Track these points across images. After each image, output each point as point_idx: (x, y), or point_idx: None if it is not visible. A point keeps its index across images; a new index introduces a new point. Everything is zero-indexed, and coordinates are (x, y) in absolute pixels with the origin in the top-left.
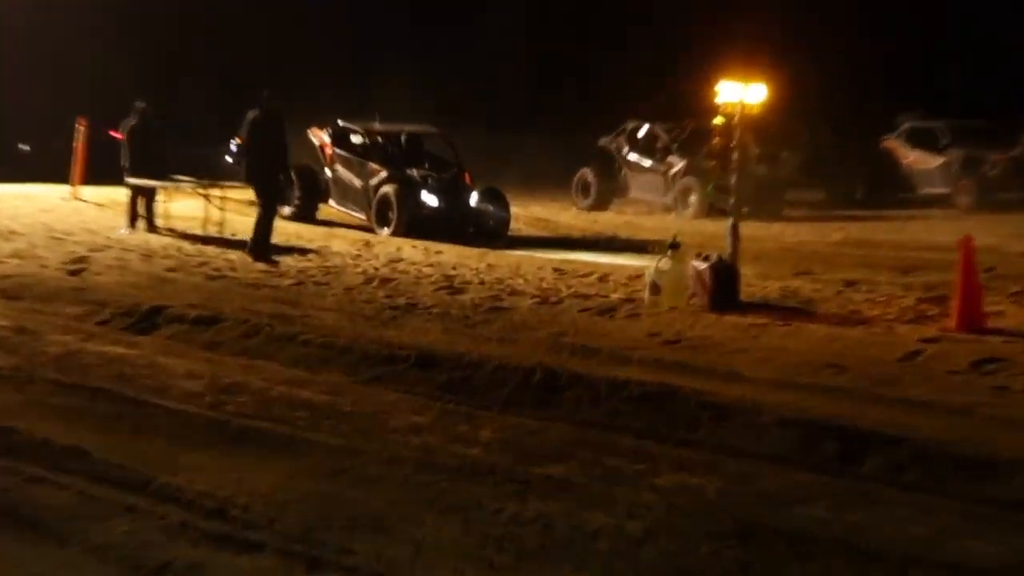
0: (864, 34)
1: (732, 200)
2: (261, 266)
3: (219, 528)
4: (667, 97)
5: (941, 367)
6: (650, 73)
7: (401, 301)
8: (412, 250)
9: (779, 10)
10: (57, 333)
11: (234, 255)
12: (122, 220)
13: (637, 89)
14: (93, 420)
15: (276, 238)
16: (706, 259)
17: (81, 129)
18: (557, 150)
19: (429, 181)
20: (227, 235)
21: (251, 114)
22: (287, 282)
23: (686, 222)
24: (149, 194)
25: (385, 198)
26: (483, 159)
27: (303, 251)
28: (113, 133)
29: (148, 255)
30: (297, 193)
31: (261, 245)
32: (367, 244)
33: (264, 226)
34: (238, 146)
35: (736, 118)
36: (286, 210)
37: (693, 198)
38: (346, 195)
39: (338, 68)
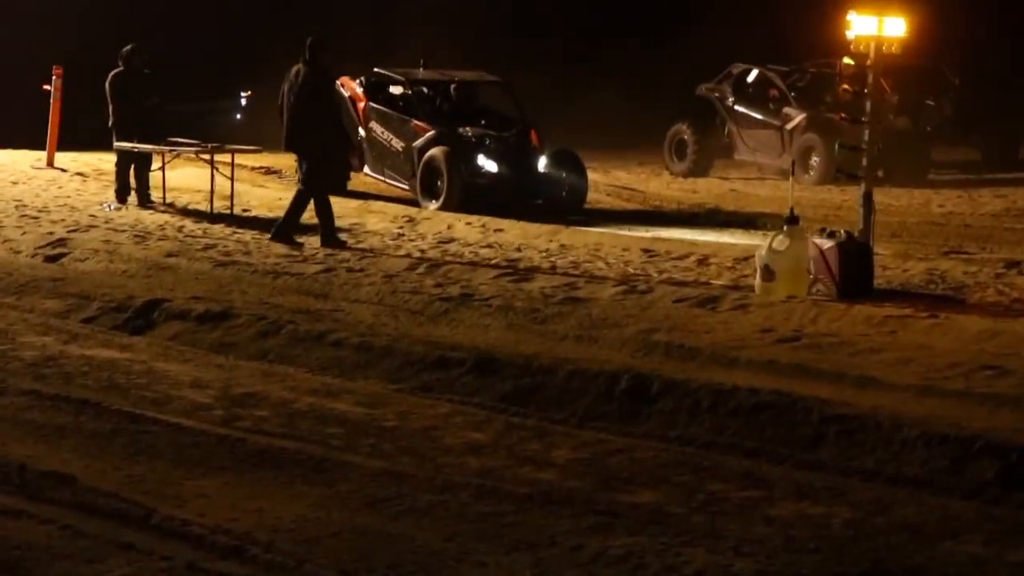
0: None
1: (864, 162)
2: (281, 249)
3: (236, 571)
4: (781, 33)
5: None
6: (760, 6)
7: (454, 291)
8: (467, 228)
9: None
10: (33, 334)
11: (248, 235)
12: (109, 193)
13: (742, 23)
14: (79, 439)
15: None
16: (832, 236)
17: (56, 81)
18: (645, 101)
19: (487, 142)
20: (238, 211)
21: (293, 68)
22: (313, 268)
23: (807, 190)
24: (142, 162)
25: (432, 163)
26: (550, 113)
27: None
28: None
29: (142, 236)
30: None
31: (285, 227)
32: (411, 221)
33: (301, 203)
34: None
35: (870, 59)
36: None
37: (816, 160)
38: (384, 160)
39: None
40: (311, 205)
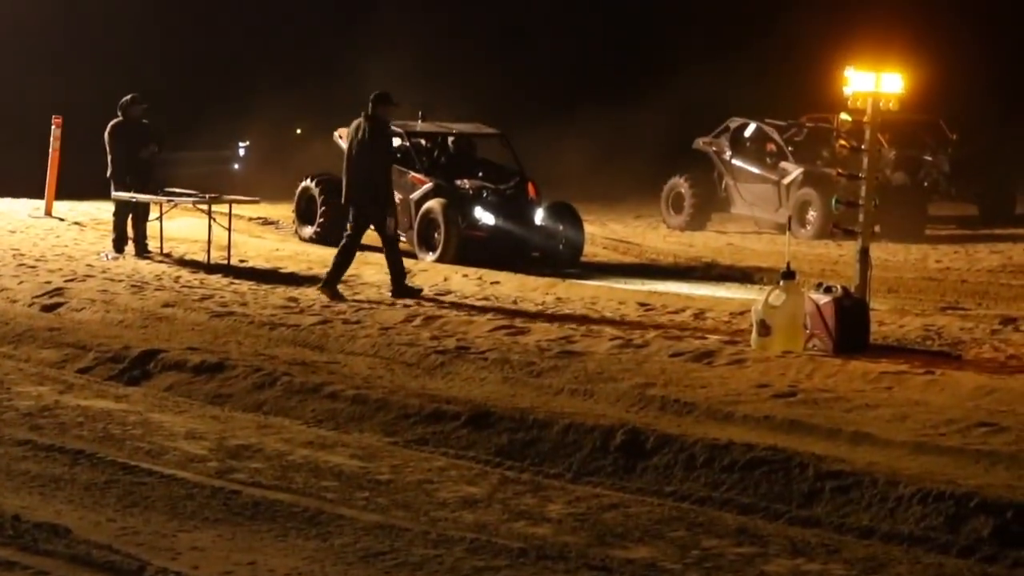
0: None
1: (861, 217)
2: (278, 300)
3: None
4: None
5: None
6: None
7: (450, 344)
8: (463, 280)
9: None
10: (29, 383)
11: (245, 286)
12: (107, 243)
13: (741, 78)
14: (74, 490)
15: (295, 266)
16: (828, 291)
17: (56, 130)
18: (642, 154)
19: (484, 194)
20: (236, 262)
21: (355, 122)
22: (310, 320)
23: (804, 244)
24: (140, 212)
25: (430, 216)
26: (548, 166)
27: None
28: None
29: (139, 286)
30: (320, 210)
31: (398, 283)
32: (407, 273)
33: (394, 254)
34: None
35: (867, 115)
36: (307, 231)
37: (812, 214)
38: None
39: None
40: (375, 255)
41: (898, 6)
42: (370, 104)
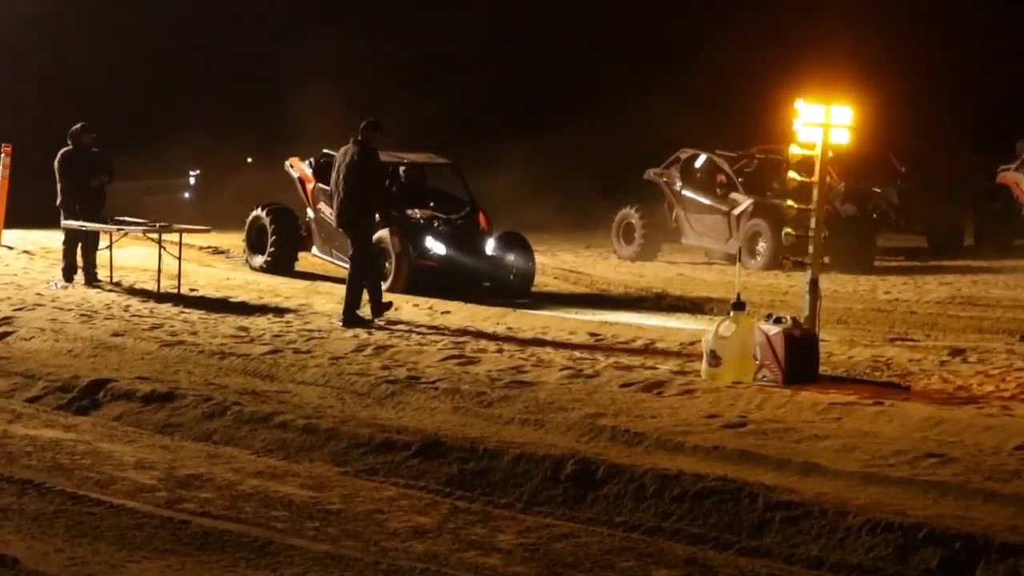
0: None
1: (811, 248)
2: (227, 331)
3: None
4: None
5: None
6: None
7: (401, 373)
8: (414, 309)
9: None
10: None
11: (195, 315)
12: (56, 272)
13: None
14: (22, 520)
15: (246, 295)
16: (778, 322)
17: (5, 159)
18: (593, 185)
19: (435, 224)
20: (186, 291)
21: (343, 148)
22: (260, 350)
23: (754, 275)
24: (89, 240)
25: (381, 245)
26: (498, 195)
27: (280, 311)
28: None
29: (88, 315)
30: (272, 239)
31: (350, 311)
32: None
33: (356, 285)
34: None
35: (817, 147)
36: (257, 260)
37: (763, 245)
38: (332, 241)
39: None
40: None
41: (846, 41)
42: (361, 131)
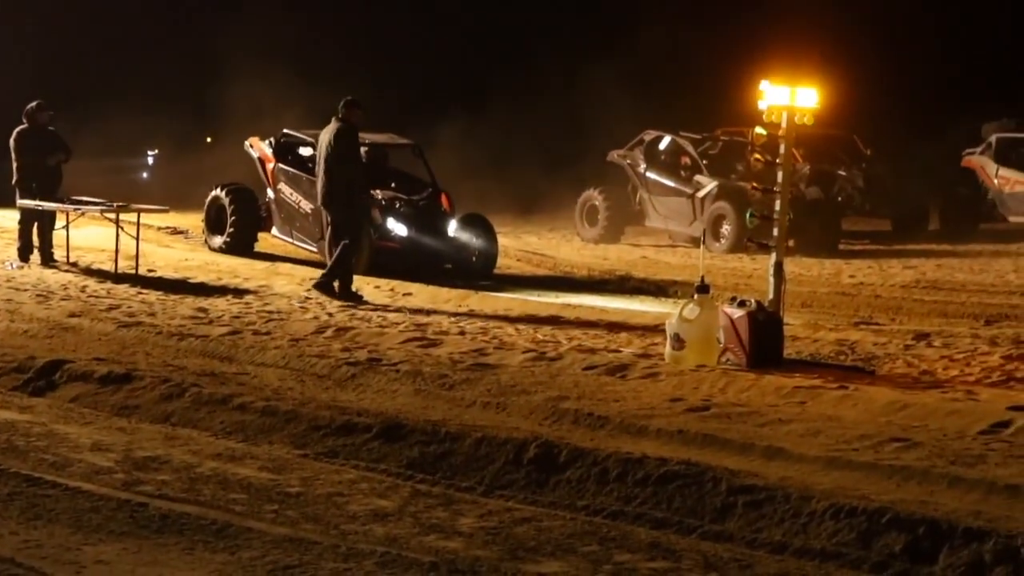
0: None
1: (775, 231)
2: (186, 312)
3: None
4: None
5: None
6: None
7: (361, 355)
8: (375, 291)
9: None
10: None
11: (153, 296)
12: (12, 252)
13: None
14: None
15: (205, 276)
16: (742, 305)
17: None
18: (557, 167)
19: (397, 205)
20: (144, 271)
21: (328, 128)
22: (219, 331)
23: (718, 258)
24: (46, 220)
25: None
26: (463, 177)
27: (239, 292)
28: None
29: (44, 296)
30: (231, 219)
31: (330, 280)
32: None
33: (345, 259)
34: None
35: (782, 129)
36: (216, 241)
37: (727, 228)
38: (292, 222)
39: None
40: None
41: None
42: (341, 109)
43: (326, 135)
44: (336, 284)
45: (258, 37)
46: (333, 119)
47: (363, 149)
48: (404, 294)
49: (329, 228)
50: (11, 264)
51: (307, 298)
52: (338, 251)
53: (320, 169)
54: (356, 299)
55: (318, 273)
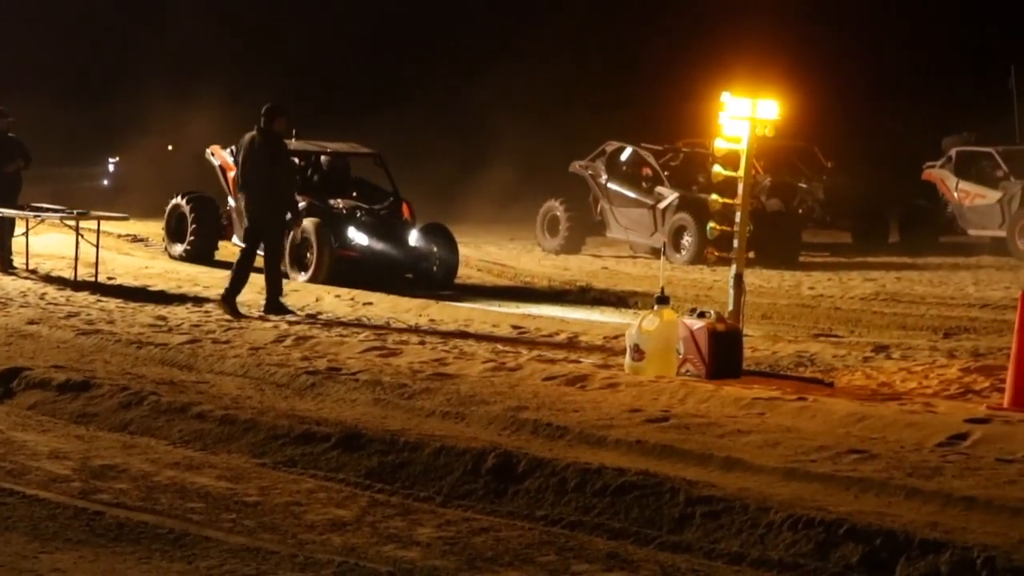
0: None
1: (736, 243)
2: (146, 320)
3: None
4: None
5: (991, 454)
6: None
7: (321, 364)
8: (335, 300)
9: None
10: None
11: (112, 304)
12: None
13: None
14: None
15: (165, 284)
16: (702, 316)
17: None
18: (519, 177)
19: (358, 214)
20: (103, 279)
21: (247, 136)
22: (178, 339)
23: (678, 269)
24: (5, 227)
25: (303, 235)
26: (424, 188)
27: (198, 300)
28: None
29: (3, 303)
30: (192, 227)
31: (275, 298)
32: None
33: (275, 273)
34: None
35: (742, 141)
36: (177, 249)
37: (688, 239)
38: None
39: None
40: (247, 270)
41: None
42: (263, 118)
43: (248, 144)
44: (227, 294)
45: (179, 47)
46: (256, 128)
47: (323, 158)
48: (364, 303)
49: (247, 238)
50: None
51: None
52: (265, 272)
53: (248, 180)
54: (286, 311)
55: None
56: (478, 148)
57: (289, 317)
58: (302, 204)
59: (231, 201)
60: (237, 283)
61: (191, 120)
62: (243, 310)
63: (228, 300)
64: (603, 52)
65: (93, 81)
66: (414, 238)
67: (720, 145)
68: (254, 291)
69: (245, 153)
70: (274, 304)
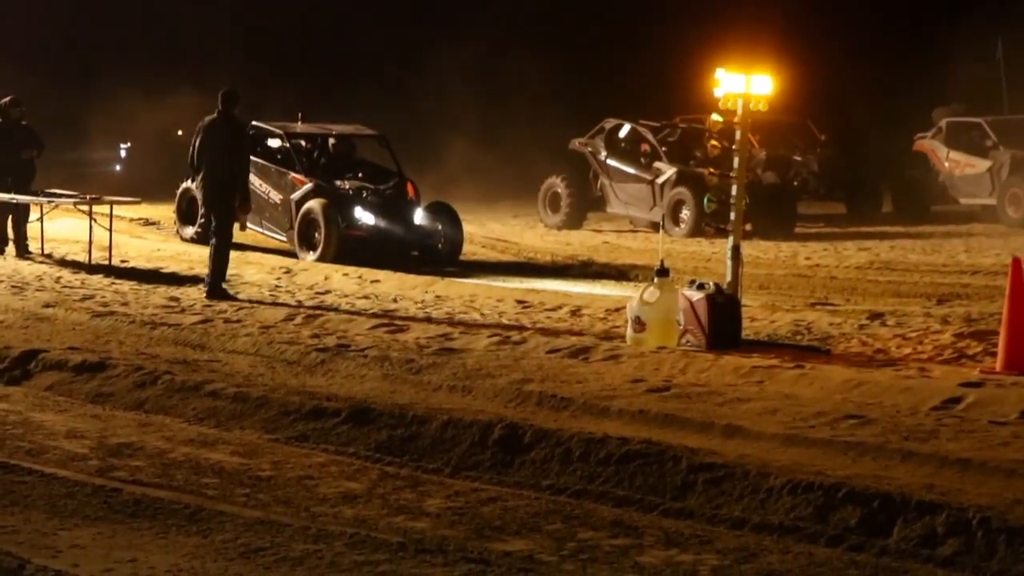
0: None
1: (733, 215)
2: (159, 300)
3: None
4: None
5: (985, 417)
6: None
7: (330, 342)
8: (343, 279)
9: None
10: None
11: (126, 286)
12: None
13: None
14: None
15: (177, 265)
16: (701, 288)
17: None
18: (520, 155)
19: (364, 195)
20: (117, 262)
21: (206, 119)
22: (191, 319)
23: (677, 242)
24: (20, 212)
25: (310, 216)
26: (429, 167)
27: None
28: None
29: (19, 287)
30: (201, 211)
31: (218, 283)
32: (288, 272)
33: (221, 258)
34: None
35: (738, 116)
36: (188, 231)
37: (686, 213)
38: (262, 212)
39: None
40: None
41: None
42: (220, 101)
43: (208, 128)
44: (209, 283)
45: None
46: (217, 112)
47: (329, 140)
48: (372, 281)
49: (214, 223)
50: None
51: (277, 286)
52: (211, 255)
53: (206, 163)
54: (227, 296)
55: (288, 262)
56: (482, 128)
57: (232, 303)
58: (308, 186)
59: None
60: (223, 270)
61: (200, 105)
62: (252, 290)
63: (215, 293)
64: (602, 30)
65: (102, 68)
66: (419, 217)
67: (716, 120)
68: (263, 271)
69: (202, 137)
70: (216, 289)
